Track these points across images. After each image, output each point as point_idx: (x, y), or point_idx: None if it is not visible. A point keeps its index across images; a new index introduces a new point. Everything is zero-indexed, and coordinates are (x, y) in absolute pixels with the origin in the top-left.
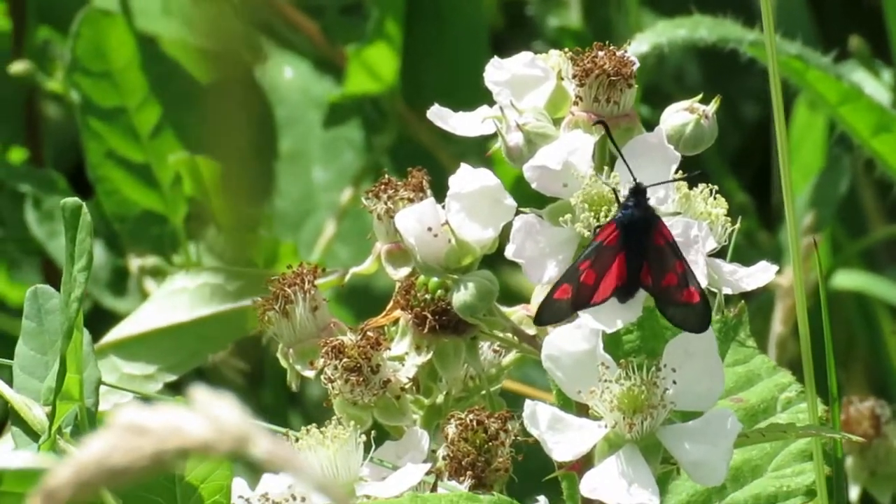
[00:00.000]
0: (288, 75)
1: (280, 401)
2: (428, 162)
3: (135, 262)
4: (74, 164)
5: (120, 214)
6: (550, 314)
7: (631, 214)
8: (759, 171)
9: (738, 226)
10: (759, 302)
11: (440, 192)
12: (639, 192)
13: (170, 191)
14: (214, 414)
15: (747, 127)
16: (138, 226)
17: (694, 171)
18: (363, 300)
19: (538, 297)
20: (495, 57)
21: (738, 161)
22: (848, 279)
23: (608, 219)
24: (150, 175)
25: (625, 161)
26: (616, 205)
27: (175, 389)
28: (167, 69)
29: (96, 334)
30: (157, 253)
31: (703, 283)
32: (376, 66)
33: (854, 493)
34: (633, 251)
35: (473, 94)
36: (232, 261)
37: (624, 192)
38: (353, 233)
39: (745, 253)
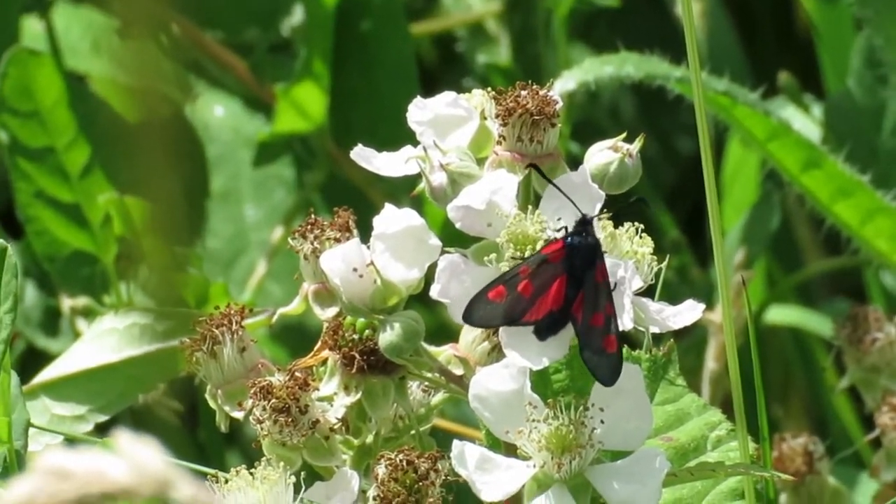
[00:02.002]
0: (218, 113)
1: (216, 440)
2: (359, 199)
3: (66, 303)
4: (6, 205)
5: (50, 255)
6: (480, 314)
7: (580, 241)
8: (695, 205)
9: (665, 264)
10: (693, 338)
11: (370, 230)
12: (586, 223)
13: (100, 231)
14: (137, 458)
15: (683, 161)
16: (69, 266)
17: (626, 206)
18: (297, 338)
19: (466, 336)
20: (418, 97)
21: (674, 196)
22: (781, 314)
23: (557, 236)
24: (80, 215)
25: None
26: (542, 243)
27: (108, 430)
28: (96, 108)
29: (30, 375)
30: (89, 293)
31: (629, 326)
32: (305, 104)
33: None
34: (572, 279)
35: (402, 132)
36: (162, 301)
37: (550, 231)
38: (286, 271)
39: (677, 289)
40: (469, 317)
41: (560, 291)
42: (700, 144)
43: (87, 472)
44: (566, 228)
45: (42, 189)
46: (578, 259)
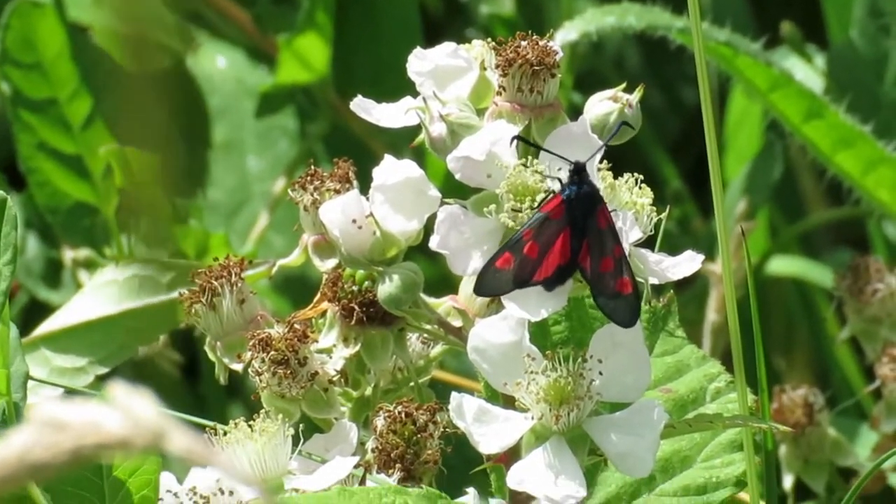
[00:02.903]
0: (221, 64)
1: (217, 392)
2: (360, 150)
3: (68, 254)
4: (9, 156)
5: (52, 206)
6: (491, 285)
7: (578, 191)
8: (699, 155)
9: (665, 215)
10: (694, 290)
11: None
12: (580, 170)
13: (101, 182)
14: (132, 410)
15: (687, 111)
16: (70, 217)
17: (629, 155)
18: (299, 289)
19: (465, 288)
20: (418, 47)
21: (679, 146)
22: (783, 264)
23: (552, 194)
24: (82, 166)
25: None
26: (542, 194)
27: (108, 382)
28: (98, 60)
29: (32, 326)
30: (90, 244)
31: None
32: (307, 55)
33: (788, 481)
34: (576, 230)
35: (404, 83)
36: (162, 252)
37: (549, 181)
38: (288, 222)
39: (679, 240)
40: (480, 288)
41: (566, 245)
42: (701, 95)
43: (82, 424)
44: (560, 180)
45: (44, 140)
46: (578, 209)
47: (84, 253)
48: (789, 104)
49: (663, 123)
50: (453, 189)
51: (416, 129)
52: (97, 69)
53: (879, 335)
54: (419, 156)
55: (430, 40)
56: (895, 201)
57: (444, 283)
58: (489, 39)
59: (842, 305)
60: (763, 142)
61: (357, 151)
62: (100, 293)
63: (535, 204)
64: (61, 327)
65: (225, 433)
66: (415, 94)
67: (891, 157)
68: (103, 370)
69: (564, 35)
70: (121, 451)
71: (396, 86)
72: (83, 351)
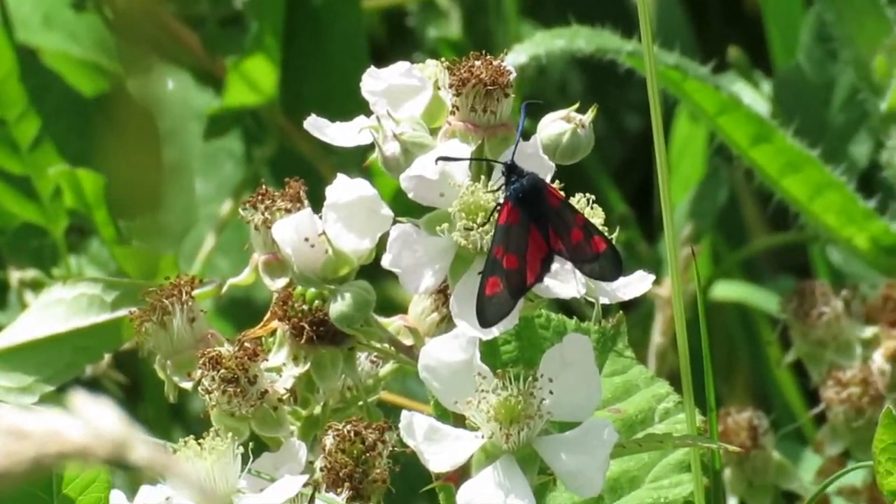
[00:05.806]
0: (168, 87)
1: (161, 414)
2: (308, 173)
3: (14, 275)
4: None
5: None
6: (493, 311)
7: (521, 187)
8: (641, 182)
9: (615, 235)
10: (639, 313)
11: (320, 203)
12: (512, 167)
13: (50, 203)
14: (93, 419)
15: (630, 138)
16: (18, 238)
17: (575, 180)
18: (244, 313)
19: (416, 307)
20: (371, 67)
21: (621, 172)
22: (727, 290)
23: (499, 206)
24: (30, 187)
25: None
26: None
27: (54, 402)
28: (47, 81)
29: None
30: (37, 266)
31: (579, 293)
32: (256, 78)
33: None
34: (538, 221)
35: (352, 106)
36: (120, 274)
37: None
38: (234, 244)
39: (625, 264)
40: (486, 321)
41: (537, 239)
42: (652, 116)
43: (43, 433)
44: (503, 186)
45: None
46: (530, 203)
47: (31, 274)
48: (737, 128)
49: (606, 149)
50: (403, 209)
51: (365, 152)
52: (46, 91)
53: (825, 358)
54: (367, 178)
55: (376, 65)
56: (842, 226)
57: (387, 305)
58: (443, 60)
59: (786, 330)
60: (707, 168)
61: (304, 174)
62: (47, 312)
63: (487, 220)
64: (7, 346)
65: (174, 451)
66: (361, 115)
67: (838, 181)
68: (49, 389)
69: (514, 58)
70: (82, 461)
71: (344, 108)
72: (29, 370)
